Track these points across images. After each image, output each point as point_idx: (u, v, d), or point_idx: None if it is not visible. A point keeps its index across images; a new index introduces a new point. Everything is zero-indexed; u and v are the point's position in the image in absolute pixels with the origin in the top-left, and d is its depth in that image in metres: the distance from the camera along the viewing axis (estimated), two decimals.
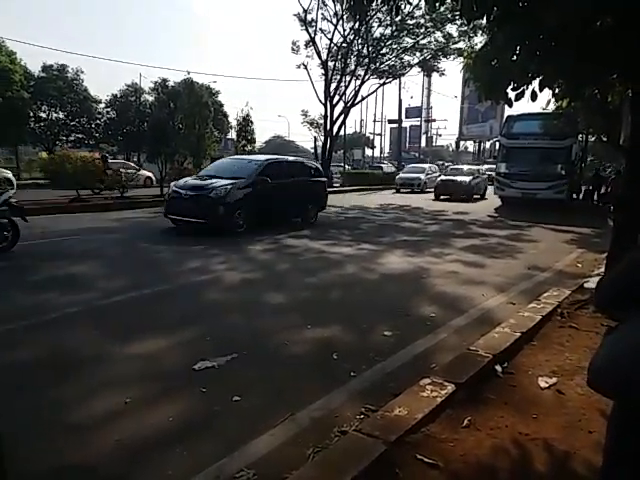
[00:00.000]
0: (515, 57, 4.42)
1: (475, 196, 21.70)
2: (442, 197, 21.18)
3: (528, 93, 4.74)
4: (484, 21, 4.28)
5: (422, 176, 26.33)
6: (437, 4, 4.02)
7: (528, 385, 3.24)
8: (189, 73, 34.81)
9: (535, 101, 4.81)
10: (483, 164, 36.37)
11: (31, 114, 32.22)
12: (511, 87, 4.68)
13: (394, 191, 26.22)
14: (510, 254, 8.50)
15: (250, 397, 3.08)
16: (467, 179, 21.34)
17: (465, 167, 25.03)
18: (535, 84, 4.74)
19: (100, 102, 37.53)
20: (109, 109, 38.27)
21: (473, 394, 3.01)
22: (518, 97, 4.76)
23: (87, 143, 36.92)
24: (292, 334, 4.22)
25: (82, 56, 69.55)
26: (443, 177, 22.85)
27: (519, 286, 6.15)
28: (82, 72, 35.28)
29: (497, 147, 19.54)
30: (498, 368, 3.39)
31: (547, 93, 5.30)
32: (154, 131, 19.48)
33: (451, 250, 8.71)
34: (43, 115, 34.51)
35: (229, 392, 3.09)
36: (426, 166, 29.47)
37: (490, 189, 21.76)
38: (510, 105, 4.95)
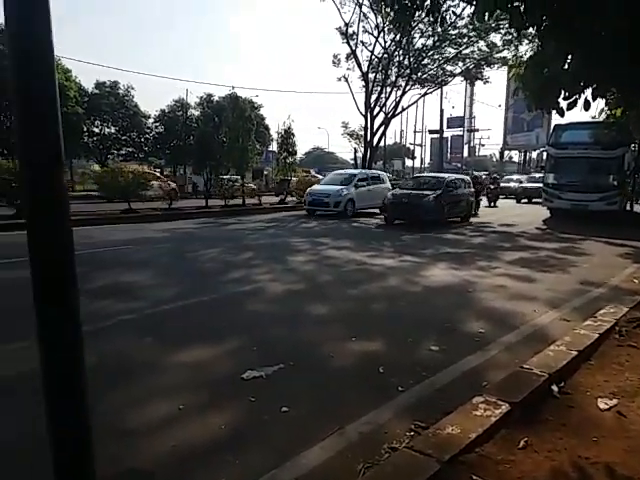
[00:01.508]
0: (567, 65, 4.29)
1: (453, 218, 15.55)
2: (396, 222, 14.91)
3: (581, 102, 4.59)
4: (533, 30, 4.19)
5: (344, 190, 17.04)
6: (486, 16, 3.97)
7: (587, 406, 3.09)
8: (233, 88, 35.73)
9: (588, 110, 4.64)
10: (527, 174, 35.96)
11: (85, 129, 33.96)
12: (563, 96, 4.54)
13: None
14: (561, 268, 8.18)
15: (298, 408, 3.09)
16: (431, 194, 14.33)
17: (437, 174, 18.76)
18: (588, 93, 4.58)
19: (149, 117, 39.17)
20: (157, 124, 39.84)
21: (529, 414, 2.89)
22: (570, 106, 4.60)
23: (137, 156, 38.52)
24: (337, 346, 4.21)
25: (132, 73, 73.46)
26: (395, 191, 15.90)
27: (572, 302, 5.90)
28: (133, 88, 37.03)
29: (545, 157, 18.94)
30: (554, 388, 3.26)
31: (600, 102, 5.12)
32: (200, 144, 20.15)
33: (498, 263, 8.48)
34: (96, 130, 36.33)
35: (277, 402, 3.12)
36: (363, 172, 19.81)
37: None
38: (562, 115, 4.80)
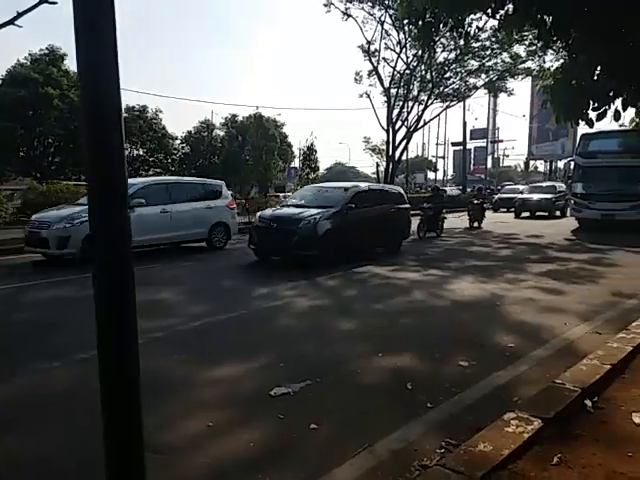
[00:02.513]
0: (596, 77, 4.28)
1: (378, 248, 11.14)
2: None
3: (610, 113, 4.55)
4: (561, 43, 4.21)
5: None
6: (514, 32, 4.01)
7: (621, 421, 3.00)
8: (258, 108, 36.62)
9: (618, 120, 4.61)
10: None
11: None
12: (592, 107, 4.51)
13: (459, 215, 25.43)
14: (592, 280, 7.98)
15: (327, 425, 3.10)
16: (315, 215, 9.48)
17: (340, 184, 12.24)
18: (618, 103, 4.54)
19: (176, 139, 40.28)
20: (184, 144, 40.90)
21: (562, 430, 2.83)
22: (600, 117, 4.58)
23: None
24: (364, 362, 4.21)
25: (162, 97, 75.98)
26: (265, 212, 10.83)
27: (604, 314, 5.75)
28: (161, 111, 38.18)
29: (572, 167, 18.59)
30: (588, 403, 3.18)
31: (630, 111, 5.05)
32: (225, 163, 20.62)
33: (527, 276, 8.33)
34: (126, 152, 37.51)
35: (306, 419, 3.14)
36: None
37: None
38: (591, 126, 4.75)
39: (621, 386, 3.52)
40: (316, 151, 24.07)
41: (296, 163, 37.65)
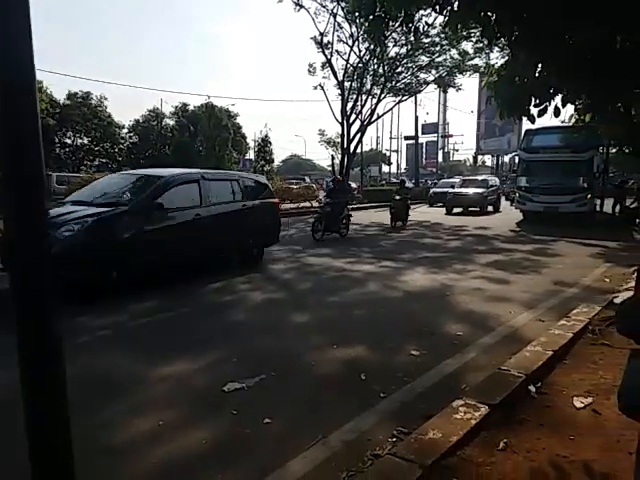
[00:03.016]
0: (538, 74, 4.44)
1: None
2: None
3: (551, 109, 4.74)
4: (504, 40, 4.33)
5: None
6: (459, 28, 4.08)
7: (563, 405, 3.16)
8: (209, 97, 35.71)
9: (558, 116, 4.80)
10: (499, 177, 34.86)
11: (56, 140, 33.36)
12: (533, 104, 4.69)
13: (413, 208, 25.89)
14: (535, 269, 8.37)
15: (280, 419, 3.08)
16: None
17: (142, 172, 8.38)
18: (558, 100, 4.74)
19: (123, 127, 38.80)
20: (132, 134, 39.42)
21: (507, 415, 2.95)
22: (541, 113, 4.76)
23: (111, 167, 37.98)
24: (318, 354, 4.22)
25: (105, 83, 72.41)
26: None
27: (547, 302, 6.04)
28: (106, 99, 36.63)
29: (517, 161, 19.38)
30: (532, 388, 3.33)
31: (570, 107, 5.30)
32: (176, 154, 20.00)
33: (475, 266, 8.63)
34: (68, 141, 35.78)
35: (259, 414, 3.10)
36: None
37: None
38: (533, 122, 4.94)
39: (563, 371, 3.72)
40: (271, 143, 23.89)
41: (251, 155, 37.18)
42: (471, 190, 21.90)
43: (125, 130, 39.17)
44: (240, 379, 3.61)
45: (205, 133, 21.30)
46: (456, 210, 21.58)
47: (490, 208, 22.77)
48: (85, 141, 36.61)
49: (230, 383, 3.54)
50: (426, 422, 2.80)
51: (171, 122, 40.45)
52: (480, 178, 25.81)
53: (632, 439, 2.66)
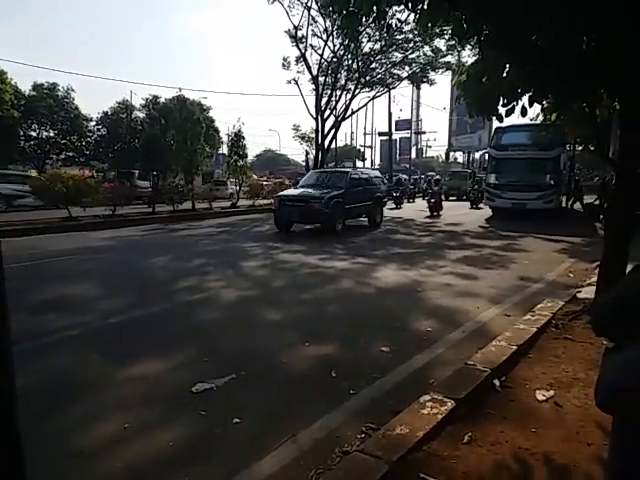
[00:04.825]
0: (505, 74, 4.53)
1: None
2: None
3: (518, 108, 4.85)
4: (473, 40, 4.39)
5: None
6: (429, 26, 4.12)
7: (526, 398, 3.26)
8: (180, 90, 35.10)
9: (525, 116, 4.92)
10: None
11: (21, 133, 32.21)
12: (501, 103, 4.79)
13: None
14: (503, 265, 8.58)
15: (250, 418, 3.08)
16: None
17: None
18: (525, 99, 4.85)
19: (91, 120, 37.70)
20: (100, 126, 38.38)
21: (473, 409, 3.02)
22: (509, 113, 4.86)
23: (78, 161, 36.93)
24: (290, 352, 4.22)
25: (73, 74, 70.03)
26: None
27: (513, 298, 6.20)
28: (73, 90, 35.49)
29: (487, 158, 19.76)
30: (496, 382, 3.42)
31: (537, 106, 5.43)
32: (146, 147, 19.57)
33: (445, 262, 8.77)
34: (33, 134, 34.56)
35: (229, 414, 3.09)
36: None
37: None
38: (501, 120, 5.05)
39: (526, 365, 3.82)
40: (244, 137, 23.54)
41: (224, 149, 36.69)
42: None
43: (93, 123, 38.07)
44: (210, 379, 3.59)
45: (176, 126, 20.85)
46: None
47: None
48: (51, 134, 35.37)
49: (199, 383, 3.51)
50: (394, 418, 2.84)
51: (141, 115, 39.55)
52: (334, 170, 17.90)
53: (591, 430, 2.78)
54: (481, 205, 21.63)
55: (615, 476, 1.19)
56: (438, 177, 24.33)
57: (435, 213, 18.84)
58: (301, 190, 13.73)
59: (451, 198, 28.66)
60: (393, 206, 23.00)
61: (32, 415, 3.08)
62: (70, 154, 36.74)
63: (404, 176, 36.13)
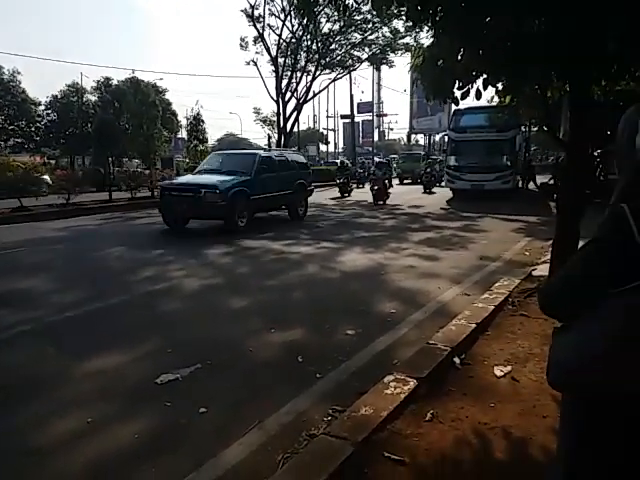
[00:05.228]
0: (460, 57, 4.58)
1: None
2: None
3: (473, 92, 4.93)
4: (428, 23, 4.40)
5: None
6: (384, 7, 4.10)
7: (485, 375, 3.38)
8: (134, 72, 33.67)
9: (480, 99, 5.02)
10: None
11: None
12: (457, 86, 4.85)
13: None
14: (463, 245, 8.81)
15: (216, 408, 3.07)
16: None
17: None
18: (479, 82, 4.93)
19: (40, 104, 35.86)
20: (49, 111, 36.56)
21: (434, 387, 3.12)
22: (464, 96, 4.94)
23: (27, 147, 35.15)
24: (256, 339, 4.21)
25: (18, 56, 65.82)
26: None
27: (472, 277, 6.39)
28: (19, 73, 33.57)
29: (446, 140, 20.09)
30: (456, 360, 3.53)
31: (491, 89, 5.52)
32: (99, 132, 18.82)
33: (408, 244, 8.93)
34: None
35: (195, 404, 3.06)
36: None
37: None
38: (457, 104, 5.13)
39: (485, 342, 3.97)
40: (203, 121, 23.05)
41: (183, 134, 35.71)
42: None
43: (42, 107, 36.20)
44: (174, 370, 3.54)
45: (131, 110, 20.09)
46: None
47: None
48: None
49: (163, 375, 3.46)
50: (359, 399, 2.89)
51: (93, 98, 37.86)
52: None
53: (546, 404, 2.91)
54: (435, 189, 21.56)
55: (567, 450, 1.25)
56: (383, 160, 22.88)
57: (380, 202, 16.49)
58: (193, 177, 11.63)
59: (405, 182, 28.61)
60: (337, 195, 20.67)
61: None
62: (19, 140, 34.93)
63: (347, 160, 31.95)
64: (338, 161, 28.46)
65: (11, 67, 33.54)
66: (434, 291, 5.69)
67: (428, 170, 22.81)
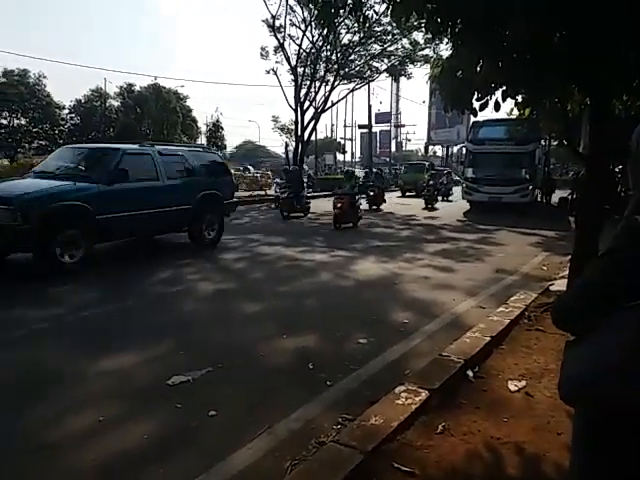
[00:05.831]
0: (479, 69, 4.56)
1: None
2: None
3: (492, 103, 4.90)
4: (447, 34, 4.41)
5: None
6: (403, 19, 4.12)
7: (498, 389, 3.33)
8: (156, 78, 34.34)
9: (498, 111, 4.98)
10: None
11: None
12: (475, 97, 4.83)
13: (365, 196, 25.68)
14: (479, 258, 8.72)
15: (226, 411, 3.07)
16: None
17: None
18: (498, 94, 4.91)
19: (64, 108, 36.74)
20: (73, 115, 37.43)
21: (446, 399, 3.08)
22: (482, 107, 4.91)
23: (51, 150, 35.91)
24: (267, 345, 4.22)
25: (44, 61, 67.76)
26: None
27: (488, 290, 6.31)
28: (44, 77, 34.49)
29: (464, 152, 19.97)
30: (470, 373, 3.48)
31: (510, 101, 5.49)
32: (121, 137, 19.17)
33: (423, 255, 8.86)
34: (4, 122, 33.49)
35: (205, 407, 3.07)
36: None
37: None
38: (475, 115, 5.10)
39: (499, 356, 3.91)
40: (222, 128, 23.34)
41: (202, 140, 36.16)
42: None
43: (66, 111, 37.11)
44: (186, 372, 3.56)
45: (152, 116, 20.49)
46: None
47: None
48: (23, 122, 34.39)
49: (175, 376, 3.48)
50: (370, 408, 2.87)
51: (116, 103, 38.66)
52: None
53: (561, 420, 2.85)
54: (437, 205, 19.46)
55: (580, 465, 1.22)
56: (349, 169, 21.02)
57: (344, 225, 12.76)
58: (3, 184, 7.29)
59: (408, 194, 25.55)
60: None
61: (1, 409, 3.03)
62: (42, 143, 35.75)
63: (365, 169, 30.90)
64: (345, 169, 25.09)
65: (37, 71, 34.46)
66: (448, 302, 5.63)
67: (431, 183, 20.30)
